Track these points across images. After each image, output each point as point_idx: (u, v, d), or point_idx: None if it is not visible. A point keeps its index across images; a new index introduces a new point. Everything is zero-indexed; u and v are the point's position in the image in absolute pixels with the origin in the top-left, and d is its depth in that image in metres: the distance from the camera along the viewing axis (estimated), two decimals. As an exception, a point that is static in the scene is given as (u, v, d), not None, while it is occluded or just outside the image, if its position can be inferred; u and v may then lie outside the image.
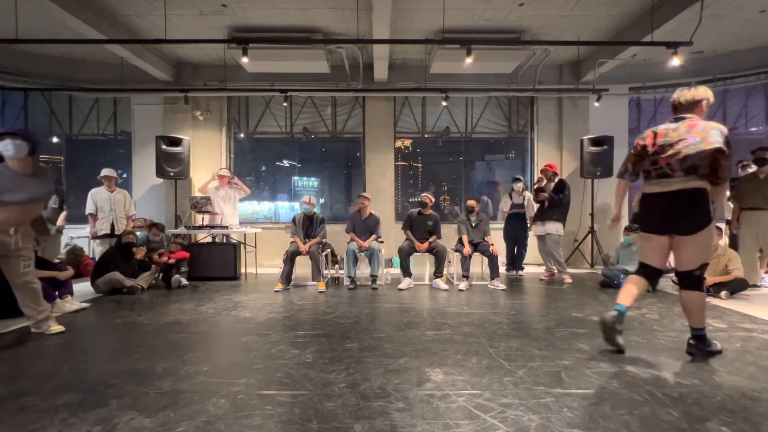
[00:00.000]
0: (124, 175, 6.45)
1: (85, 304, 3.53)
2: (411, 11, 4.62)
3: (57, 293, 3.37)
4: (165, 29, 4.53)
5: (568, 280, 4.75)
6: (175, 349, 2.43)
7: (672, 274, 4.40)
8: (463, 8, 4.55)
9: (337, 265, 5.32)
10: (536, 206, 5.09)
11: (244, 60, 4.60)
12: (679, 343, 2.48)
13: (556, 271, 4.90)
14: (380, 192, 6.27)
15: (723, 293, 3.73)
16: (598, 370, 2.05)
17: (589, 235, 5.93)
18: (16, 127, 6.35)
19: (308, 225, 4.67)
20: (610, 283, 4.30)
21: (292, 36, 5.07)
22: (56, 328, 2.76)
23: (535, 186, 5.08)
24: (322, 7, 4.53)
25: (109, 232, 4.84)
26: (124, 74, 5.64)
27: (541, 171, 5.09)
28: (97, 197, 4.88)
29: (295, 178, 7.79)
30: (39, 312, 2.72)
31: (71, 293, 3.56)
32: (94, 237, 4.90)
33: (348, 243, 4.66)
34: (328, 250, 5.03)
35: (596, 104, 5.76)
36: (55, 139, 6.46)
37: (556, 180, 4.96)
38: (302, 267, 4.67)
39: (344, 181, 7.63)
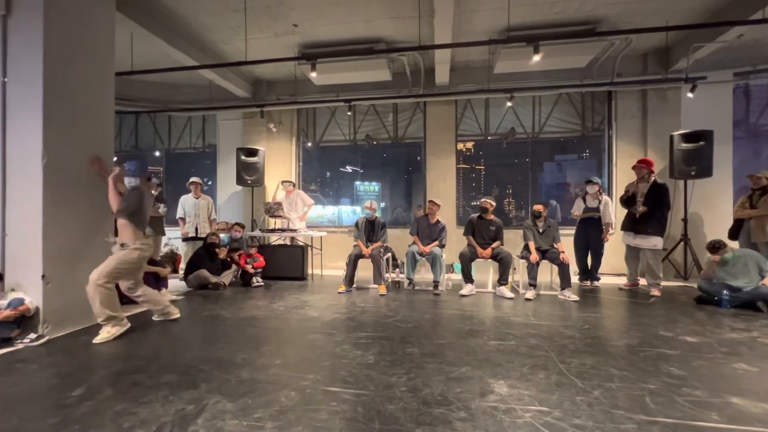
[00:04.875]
0: (209, 183, 7.25)
1: (177, 297, 4.05)
2: (473, 12, 4.53)
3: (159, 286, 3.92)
4: (246, 52, 5.02)
5: (656, 293, 4.24)
6: (251, 341, 2.67)
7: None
8: (530, 3, 4.34)
9: (397, 269, 5.38)
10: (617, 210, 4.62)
11: (313, 75, 4.91)
12: (804, 376, 2.08)
13: (641, 281, 4.36)
14: (441, 196, 6.18)
15: None
16: (693, 399, 1.80)
17: (681, 244, 5.23)
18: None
19: (370, 229, 4.80)
20: (710, 300, 3.73)
21: (356, 48, 5.29)
22: (174, 313, 3.26)
23: (626, 194, 4.53)
24: (384, 18, 4.66)
25: (194, 234, 5.44)
26: (211, 94, 6.37)
27: (634, 168, 4.50)
28: (185, 203, 5.55)
29: (357, 183, 8.04)
30: (161, 306, 3.21)
31: (167, 287, 4.12)
32: (184, 239, 5.58)
33: (409, 246, 4.69)
34: (389, 254, 5.10)
35: (690, 95, 5.06)
36: (157, 153, 7.53)
37: (651, 181, 4.36)
38: (364, 270, 4.81)
39: (405, 186, 7.69)
